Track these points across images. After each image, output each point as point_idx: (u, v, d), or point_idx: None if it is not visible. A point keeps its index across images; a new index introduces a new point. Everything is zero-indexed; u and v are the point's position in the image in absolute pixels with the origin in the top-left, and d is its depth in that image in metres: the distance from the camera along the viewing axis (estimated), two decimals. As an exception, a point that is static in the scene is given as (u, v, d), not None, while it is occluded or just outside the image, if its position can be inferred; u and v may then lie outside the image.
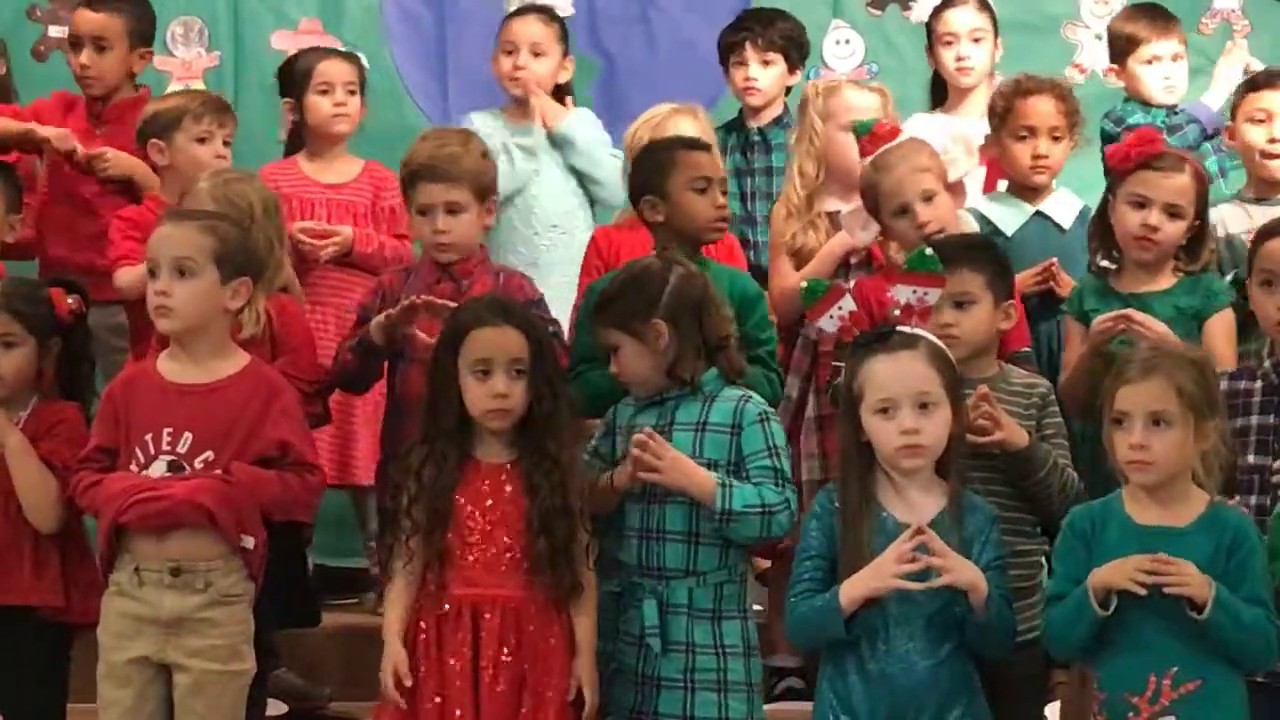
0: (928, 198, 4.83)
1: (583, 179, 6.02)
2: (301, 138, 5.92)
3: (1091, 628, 3.69)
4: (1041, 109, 5.42)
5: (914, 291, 3.92)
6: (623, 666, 4.12)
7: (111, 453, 4.22)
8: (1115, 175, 4.85)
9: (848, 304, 3.92)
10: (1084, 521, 3.81)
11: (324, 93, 5.82)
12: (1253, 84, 5.56)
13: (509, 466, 4.10)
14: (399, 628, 4.05)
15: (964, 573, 3.73)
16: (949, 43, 6.03)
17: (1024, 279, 4.93)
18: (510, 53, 6.03)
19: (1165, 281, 4.80)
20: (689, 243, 4.79)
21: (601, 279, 4.51)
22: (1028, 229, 5.36)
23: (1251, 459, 4.27)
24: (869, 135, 4.98)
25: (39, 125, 5.85)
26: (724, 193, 4.86)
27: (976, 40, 6.01)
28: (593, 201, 6.05)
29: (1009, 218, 5.36)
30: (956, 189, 4.98)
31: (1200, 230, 4.84)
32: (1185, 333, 4.67)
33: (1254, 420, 4.28)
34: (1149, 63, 5.88)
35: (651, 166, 4.89)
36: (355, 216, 5.76)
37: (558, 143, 5.98)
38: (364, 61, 6.02)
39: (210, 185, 4.77)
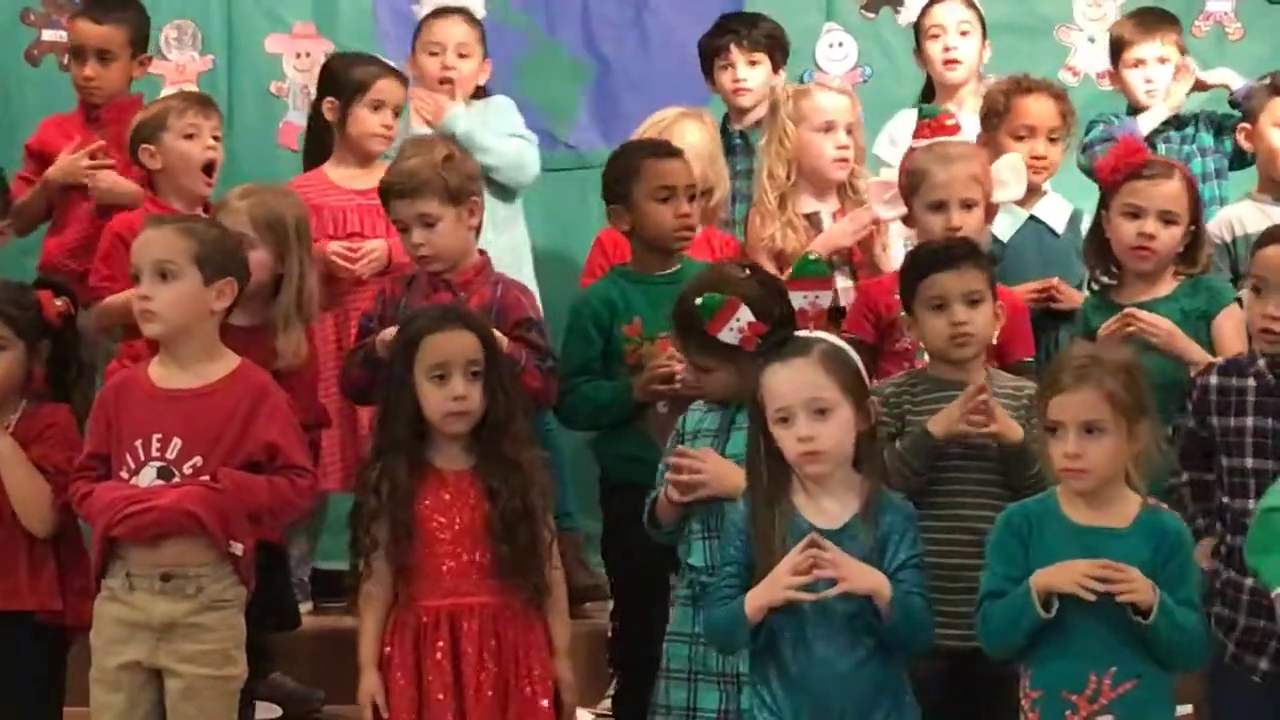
0: (968, 206, 4.85)
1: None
2: (325, 142, 5.87)
3: (1032, 629, 3.70)
4: (1041, 109, 5.46)
5: (805, 296, 3.93)
6: (705, 669, 4.11)
7: (105, 459, 4.22)
8: (1106, 189, 4.87)
9: (745, 315, 3.93)
10: (1020, 519, 3.81)
11: (376, 109, 5.78)
12: (1276, 89, 5.56)
13: (469, 473, 4.11)
14: (374, 654, 4.08)
15: (862, 579, 3.68)
16: (936, 36, 6.02)
17: (1024, 291, 4.94)
18: (435, 54, 5.99)
19: (1166, 288, 4.83)
20: (657, 251, 4.79)
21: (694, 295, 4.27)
22: (1023, 233, 5.39)
23: (1250, 462, 4.25)
24: (933, 122, 4.99)
25: (48, 174, 5.85)
26: (692, 199, 4.84)
27: (964, 34, 6.01)
28: (513, 192, 5.96)
29: (1003, 223, 5.36)
30: (991, 211, 4.99)
31: (1196, 234, 4.85)
32: (1193, 334, 4.70)
33: (1249, 421, 4.25)
34: (1134, 66, 5.90)
35: (615, 175, 4.92)
36: (388, 221, 5.74)
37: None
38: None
39: (248, 204, 4.72)
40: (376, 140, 5.78)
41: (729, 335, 3.94)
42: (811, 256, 4.02)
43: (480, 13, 6.11)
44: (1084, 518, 3.77)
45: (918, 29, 6.13)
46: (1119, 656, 3.70)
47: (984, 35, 6.07)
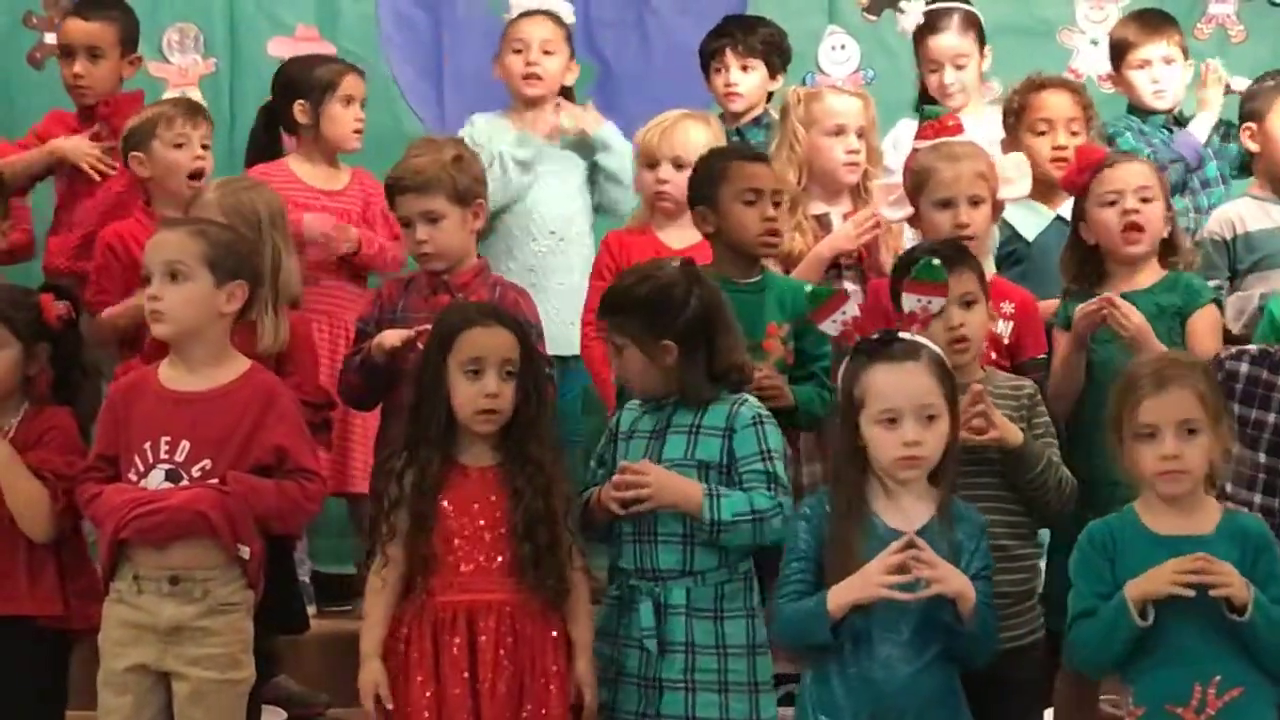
0: (975, 203, 4.85)
1: (604, 180, 5.98)
2: (276, 146, 5.88)
3: (1129, 641, 3.67)
4: (1057, 102, 5.50)
5: (919, 300, 3.91)
6: (625, 670, 4.11)
7: (113, 461, 4.22)
8: (1077, 195, 4.87)
9: (851, 309, 3.91)
10: (1102, 534, 3.80)
11: (348, 104, 5.80)
12: None
13: (494, 470, 4.11)
14: (377, 644, 4.07)
15: (953, 582, 3.70)
16: (933, 70, 6.01)
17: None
18: (520, 51, 6.02)
19: (1147, 280, 4.81)
20: (741, 254, 4.78)
21: (624, 276, 4.43)
22: (1048, 233, 5.40)
23: (1263, 458, 4.27)
24: (935, 123, 5.02)
25: (59, 142, 5.92)
26: (777, 204, 4.83)
27: (960, 66, 5.98)
28: (597, 209, 6.03)
29: (1029, 222, 5.38)
30: (998, 208, 4.99)
31: (1172, 220, 4.86)
32: (1167, 329, 4.70)
33: (1271, 418, 4.27)
34: (1140, 67, 5.90)
35: (704, 177, 4.88)
36: (349, 222, 5.75)
37: (595, 145, 5.94)
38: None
39: (218, 195, 4.80)
40: (354, 137, 5.82)
41: (831, 327, 3.91)
42: (934, 261, 3.99)
43: (569, 18, 6.13)
44: (1167, 527, 3.76)
45: (915, 49, 6.09)
46: (1223, 665, 3.68)
47: (982, 47, 6.04)
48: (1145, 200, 4.77)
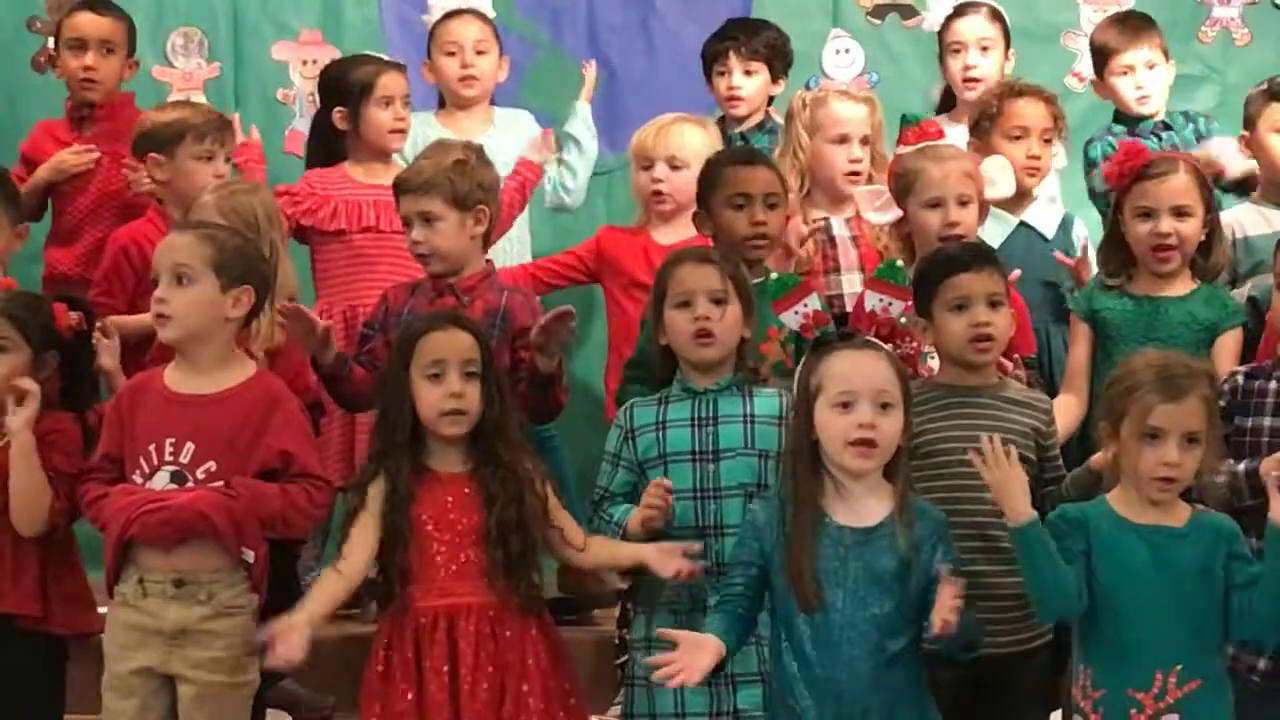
0: (963, 202, 4.87)
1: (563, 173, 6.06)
2: (331, 149, 5.87)
3: (1042, 563, 3.73)
4: (1034, 111, 5.47)
5: (880, 299, 3.92)
6: None
7: (118, 461, 4.22)
8: (1117, 193, 4.86)
9: (813, 302, 3.92)
10: (1075, 515, 3.86)
11: (386, 105, 5.78)
12: (1275, 94, 5.55)
13: (466, 476, 4.11)
14: (319, 608, 4.03)
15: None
16: (956, 51, 6.01)
17: None
18: (453, 54, 6.04)
19: (1182, 288, 4.81)
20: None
21: None
22: (1013, 240, 5.38)
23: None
24: (916, 128, 5.02)
25: (46, 170, 5.96)
26: (773, 207, 4.85)
27: (984, 49, 5.98)
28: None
29: (993, 230, 5.35)
30: (984, 209, 5.00)
31: (1213, 226, 4.84)
32: (1195, 342, 4.68)
33: (1266, 422, 4.29)
34: (1123, 74, 5.85)
35: (702, 182, 4.95)
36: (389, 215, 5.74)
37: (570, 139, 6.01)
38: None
39: (216, 198, 4.82)
40: (395, 137, 5.80)
41: (791, 319, 3.92)
42: (898, 263, 4.01)
43: (491, 13, 6.15)
44: (1141, 518, 3.81)
45: (940, 40, 6.11)
46: (1185, 655, 3.72)
47: (1007, 46, 6.05)
48: (1181, 216, 4.75)
